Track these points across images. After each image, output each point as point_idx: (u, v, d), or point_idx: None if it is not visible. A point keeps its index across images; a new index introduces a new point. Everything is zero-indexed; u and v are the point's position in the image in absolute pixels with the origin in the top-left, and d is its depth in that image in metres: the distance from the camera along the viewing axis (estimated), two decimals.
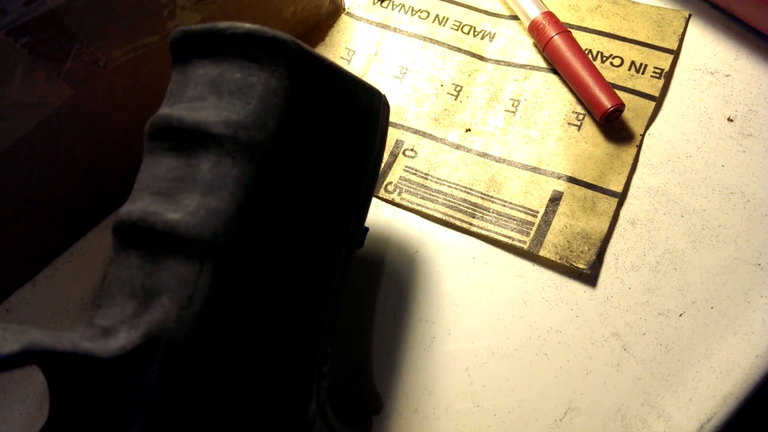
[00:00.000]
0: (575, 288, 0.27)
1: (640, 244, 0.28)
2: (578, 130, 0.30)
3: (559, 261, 0.27)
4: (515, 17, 0.33)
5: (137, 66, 0.27)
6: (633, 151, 0.29)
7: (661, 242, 0.27)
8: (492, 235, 0.29)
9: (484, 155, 0.30)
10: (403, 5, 0.34)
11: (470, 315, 0.27)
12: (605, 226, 0.28)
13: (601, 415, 0.25)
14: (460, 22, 0.34)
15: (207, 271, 0.17)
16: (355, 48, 0.33)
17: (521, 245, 0.28)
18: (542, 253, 0.28)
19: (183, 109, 0.19)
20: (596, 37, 0.32)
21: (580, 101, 0.30)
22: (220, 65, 0.19)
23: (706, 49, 0.31)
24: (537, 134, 0.30)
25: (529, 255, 0.28)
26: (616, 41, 0.31)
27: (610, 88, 0.29)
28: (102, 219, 0.32)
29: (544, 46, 0.31)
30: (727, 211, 0.28)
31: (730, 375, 0.25)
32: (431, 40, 0.33)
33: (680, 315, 0.26)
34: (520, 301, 0.27)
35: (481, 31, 0.33)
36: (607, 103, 0.28)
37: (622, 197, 0.28)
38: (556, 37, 0.30)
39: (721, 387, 0.24)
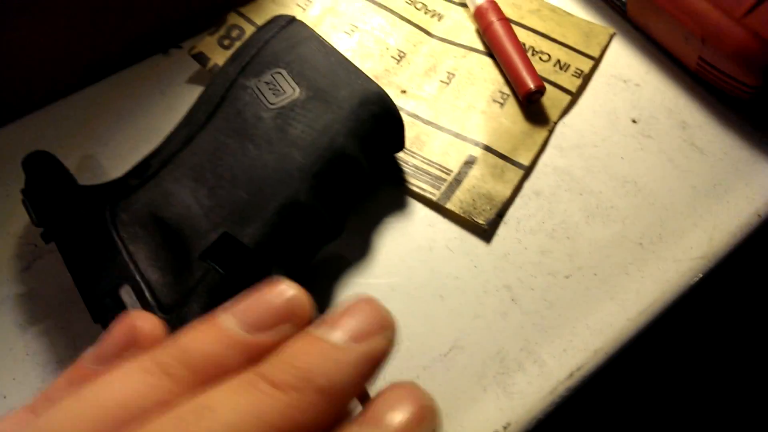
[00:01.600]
0: (477, 243, 0.28)
1: (541, 212, 0.29)
2: (501, 107, 0.32)
3: (462, 214, 0.28)
4: (463, 5, 0.35)
5: None
6: (545, 133, 0.31)
7: (559, 213, 0.29)
8: (408, 185, 0.30)
9: (414, 116, 0.32)
10: None
11: (378, 254, 0.28)
12: (508, 192, 0.29)
13: (481, 355, 0.26)
14: None
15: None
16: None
17: (431, 197, 0.29)
18: (448, 205, 0.29)
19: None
20: (531, 34, 0.34)
21: (507, 83, 0.32)
22: None
23: (622, 61, 0.34)
24: (464, 105, 0.32)
25: (438, 207, 0.29)
26: (548, 41, 0.34)
27: (535, 72, 0.31)
28: None
29: (484, 30, 0.33)
30: (621, 196, 0.30)
31: (602, 333, 0.26)
32: (385, 8, 0.35)
33: (566, 277, 0.28)
34: (427, 247, 0.28)
35: (432, 11, 0.35)
36: (530, 84, 0.30)
37: (528, 170, 0.30)
38: (496, 22, 0.32)
39: (594, 342, 0.26)
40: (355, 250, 0.28)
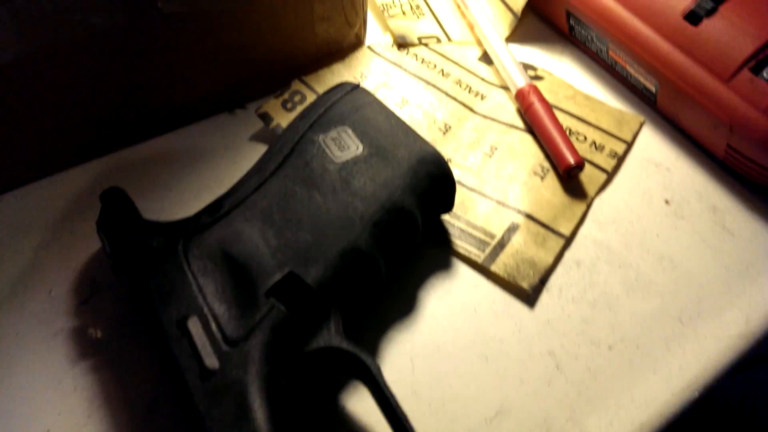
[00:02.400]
0: (521, 307, 0.29)
1: (582, 282, 0.30)
2: (541, 180, 0.33)
3: (506, 278, 0.29)
4: (504, 88, 0.38)
5: None
6: (583, 207, 0.32)
7: (599, 284, 0.30)
8: (453, 246, 0.30)
9: (459, 183, 0.33)
10: (417, 54, 0.39)
11: (424, 311, 0.28)
12: (550, 259, 0.30)
13: (528, 423, 0.25)
14: (460, 80, 0.38)
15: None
16: (369, 74, 0.37)
17: (476, 258, 0.30)
18: (493, 268, 0.29)
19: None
20: (567, 116, 0.37)
21: (547, 158, 0.34)
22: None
23: (653, 146, 0.36)
24: (506, 175, 0.33)
25: (483, 269, 0.30)
26: (583, 124, 0.36)
27: (575, 148, 0.32)
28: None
29: (525, 110, 0.35)
30: (658, 271, 0.30)
31: (648, 407, 0.26)
32: (433, 86, 0.37)
33: (609, 348, 0.28)
34: (471, 308, 0.29)
35: (475, 91, 0.38)
36: (571, 159, 0.32)
37: (568, 240, 0.31)
38: (536, 103, 0.35)
39: (639, 416, 0.25)
40: (402, 306, 0.28)
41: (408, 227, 0.26)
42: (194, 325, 0.22)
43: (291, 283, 0.23)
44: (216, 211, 0.25)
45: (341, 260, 0.24)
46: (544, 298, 0.29)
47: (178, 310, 0.22)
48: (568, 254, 0.31)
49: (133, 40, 0.29)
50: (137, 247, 0.24)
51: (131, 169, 0.33)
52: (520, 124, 0.36)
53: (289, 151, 0.27)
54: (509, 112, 0.37)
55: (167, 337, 0.22)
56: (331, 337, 0.23)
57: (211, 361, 0.21)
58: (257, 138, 0.35)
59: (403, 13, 0.41)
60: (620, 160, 0.35)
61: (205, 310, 0.22)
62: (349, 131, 0.27)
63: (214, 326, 0.22)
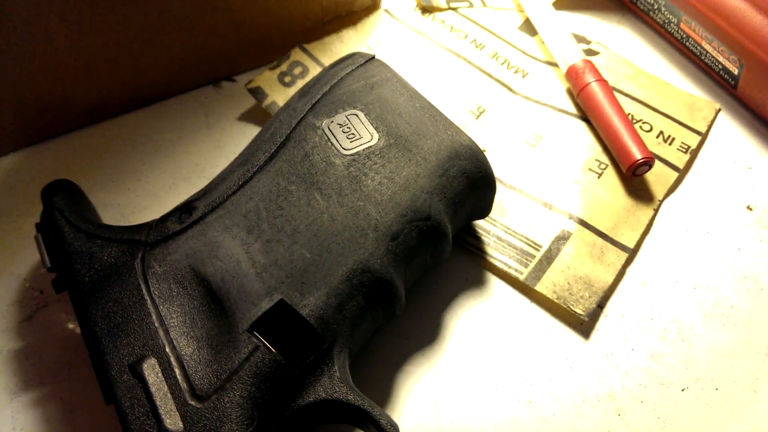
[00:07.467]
0: (573, 337, 0.26)
1: (648, 306, 0.27)
2: (598, 177, 0.31)
3: (556, 300, 0.27)
4: (551, 63, 0.35)
5: None
6: (650, 212, 0.30)
7: (670, 309, 0.27)
8: (488, 258, 0.28)
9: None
10: (444, 21, 0.36)
11: (452, 340, 0.26)
12: (610, 278, 0.27)
13: None
14: (496, 52, 0.35)
15: None
16: (385, 42, 0.34)
17: (518, 275, 0.27)
18: (539, 288, 0.27)
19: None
20: (629, 100, 0.34)
21: (605, 151, 0.32)
22: None
23: (731, 140, 0.33)
24: (554, 171, 0.31)
25: (525, 289, 0.27)
26: (648, 109, 0.34)
27: (642, 141, 0.30)
28: None
29: (579, 91, 0.33)
30: (740, 294, 0.28)
31: None
32: (465, 59, 0.35)
33: (682, 390, 0.25)
34: (511, 336, 0.26)
35: (515, 66, 0.35)
36: (638, 154, 0.29)
37: (632, 254, 0.29)
38: (593, 83, 0.32)
39: None
40: (423, 334, 0.26)
41: (434, 241, 0.24)
42: (152, 371, 0.19)
43: (281, 314, 0.21)
44: (187, 214, 0.22)
45: (348, 285, 0.21)
46: (602, 325, 0.27)
47: (131, 349, 0.20)
48: (630, 270, 0.28)
49: None
50: (82, 260, 0.21)
51: (91, 153, 0.30)
52: (572, 108, 0.33)
53: (284, 139, 0.24)
54: (557, 93, 0.34)
55: (113, 386, 0.19)
56: (334, 385, 0.20)
57: (173, 420, 0.18)
58: (247, 118, 0.32)
59: None
60: (693, 154, 0.33)
61: (167, 349, 0.19)
62: (361, 116, 0.25)
63: (178, 373, 0.19)
